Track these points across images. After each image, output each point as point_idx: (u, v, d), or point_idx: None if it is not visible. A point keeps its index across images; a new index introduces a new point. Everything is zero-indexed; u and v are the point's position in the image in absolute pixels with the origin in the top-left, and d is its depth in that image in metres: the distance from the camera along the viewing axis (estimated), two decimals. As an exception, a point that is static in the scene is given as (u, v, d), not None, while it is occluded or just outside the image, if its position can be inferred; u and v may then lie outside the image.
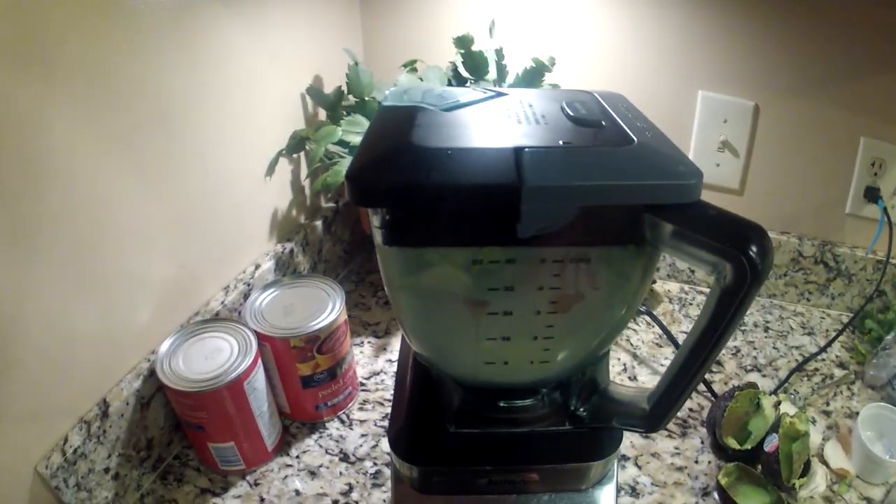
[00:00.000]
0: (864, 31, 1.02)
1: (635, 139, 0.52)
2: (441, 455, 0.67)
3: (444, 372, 0.68)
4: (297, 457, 0.93)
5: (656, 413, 0.61)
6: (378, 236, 0.54)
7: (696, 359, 0.55)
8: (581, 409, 0.67)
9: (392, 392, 0.80)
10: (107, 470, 0.80)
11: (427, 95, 0.63)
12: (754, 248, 0.47)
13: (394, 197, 0.50)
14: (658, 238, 0.51)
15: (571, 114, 0.58)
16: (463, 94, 0.64)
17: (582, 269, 0.54)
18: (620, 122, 0.57)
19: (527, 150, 0.49)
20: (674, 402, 0.60)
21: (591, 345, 0.63)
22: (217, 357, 0.83)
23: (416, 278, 0.56)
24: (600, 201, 0.49)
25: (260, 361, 0.87)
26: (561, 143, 0.51)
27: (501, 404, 0.68)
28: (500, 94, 0.65)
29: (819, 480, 0.87)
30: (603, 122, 0.56)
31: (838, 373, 1.10)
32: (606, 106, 0.62)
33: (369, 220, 0.56)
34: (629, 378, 1.08)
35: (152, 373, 0.83)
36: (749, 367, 1.11)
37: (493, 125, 0.57)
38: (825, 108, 1.11)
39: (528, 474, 0.67)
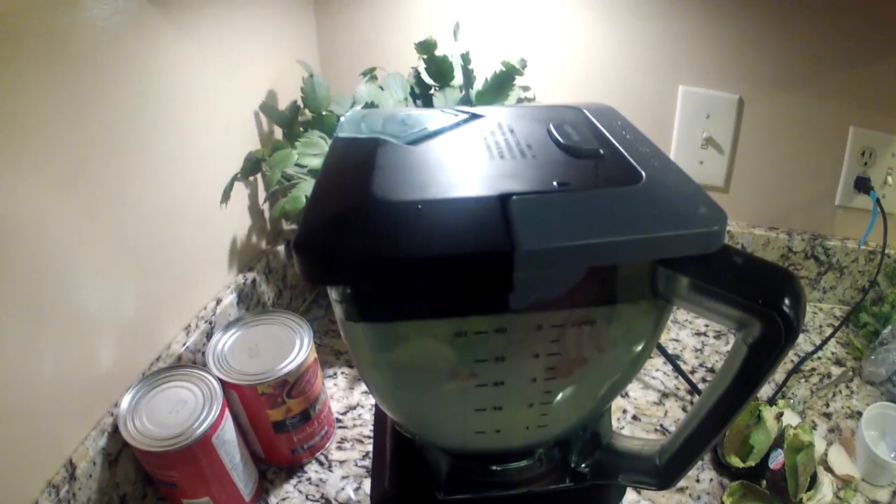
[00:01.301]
0: (851, 19, 0.94)
1: (643, 173, 0.42)
2: (431, 525, 0.58)
3: (427, 441, 0.58)
4: (277, 504, 0.84)
5: (670, 470, 0.52)
6: (339, 311, 0.43)
7: (717, 418, 0.46)
8: (583, 466, 0.57)
9: (371, 428, 0.70)
10: (82, 533, 0.72)
11: (389, 123, 0.52)
12: (788, 302, 0.38)
13: (354, 273, 0.39)
14: (673, 292, 0.41)
15: (562, 140, 0.47)
16: (430, 118, 0.53)
17: (585, 331, 0.44)
18: (620, 147, 0.47)
19: (515, 198, 0.39)
20: (691, 459, 0.51)
21: (594, 405, 0.53)
22: (182, 410, 0.74)
23: (390, 355, 0.46)
24: (609, 261, 0.39)
25: (227, 412, 0.77)
26: (555, 184, 0.41)
27: (494, 468, 0.58)
28: (474, 117, 0.54)
29: (826, 490, 0.81)
30: (601, 151, 0.46)
31: (836, 371, 1.03)
32: (599, 125, 0.51)
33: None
34: (619, 395, 0.99)
35: (117, 427, 0.74)
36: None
37: (471, 162, 0.46)
38: (812, 99, 1.03)
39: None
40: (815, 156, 1.07)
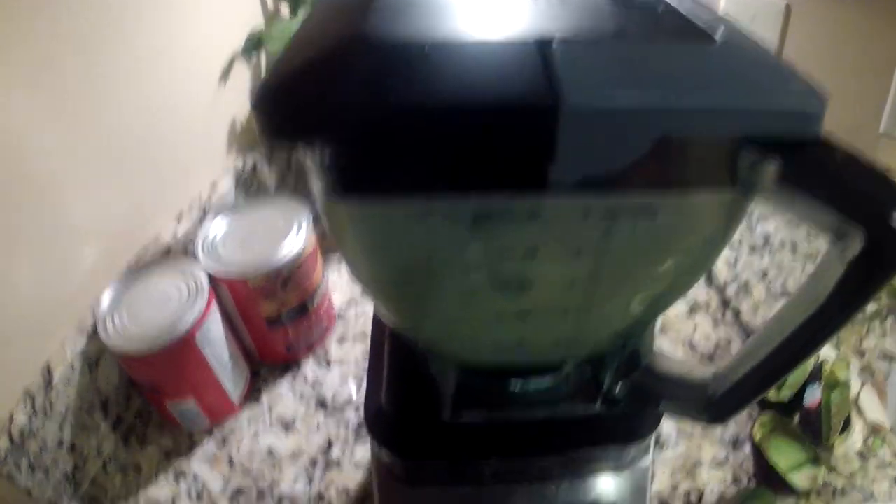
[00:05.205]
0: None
1: (714, 35, 0.31)
2: (434, 448, 0.48)
3: (433, 351, 0.48)
4: (269, 407, 0.77)
5: (725, 404, 0.41)
6: (319, 186, 0.32)
7: (796, 349, 0.35)
8: (617, 390, 0.47)
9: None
10: (61, 443, 0.65)
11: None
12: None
13: (332, 126, 0.28)
14: (758, 183, 0.31)
15: (614, -12, 0.36)
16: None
17: (642, 224, 0.33)
18: (679, 8, 0.35)
19: (558, 43, 0.28)
20: (753, 396, 0.40)
21: (642, 317, 0.42)
22: (165, 307, 0.67)
23: (386, 243, 0.34)
24: (682, 131, 0.28)
25: (214, 307, 0.69)
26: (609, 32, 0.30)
27: (512, 387, 0.48)
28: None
29: (857, 436, 0.73)
30: (657, 6, 0.35)
31: (870, 307, 0.92)
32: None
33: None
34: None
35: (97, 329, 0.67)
36: (778, 293, 0.92)
37: (499, 2, 0.34)
38: (864, 14, 0.88)
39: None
40: (862, 77, 0.93)
